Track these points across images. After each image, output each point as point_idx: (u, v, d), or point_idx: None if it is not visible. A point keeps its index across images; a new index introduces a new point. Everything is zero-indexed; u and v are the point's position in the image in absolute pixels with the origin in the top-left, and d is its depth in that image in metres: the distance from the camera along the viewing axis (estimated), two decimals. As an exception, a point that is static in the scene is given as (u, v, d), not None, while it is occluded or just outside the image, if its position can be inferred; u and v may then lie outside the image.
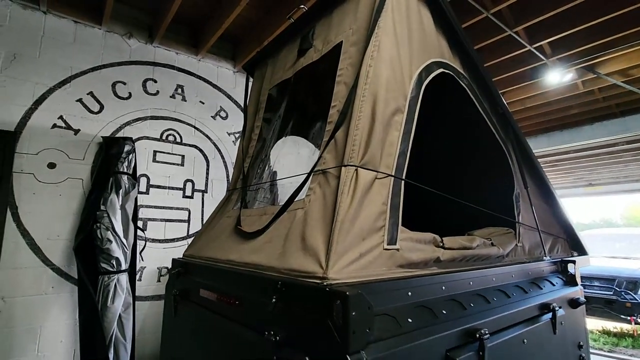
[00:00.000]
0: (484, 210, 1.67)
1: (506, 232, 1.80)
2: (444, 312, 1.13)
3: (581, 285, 2.00)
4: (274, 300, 1.05)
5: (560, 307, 1.67)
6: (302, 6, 1.78)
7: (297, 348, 0.94)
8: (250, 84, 2.32)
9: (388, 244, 1.14)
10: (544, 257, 1.94)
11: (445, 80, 1.65)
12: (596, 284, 5.61)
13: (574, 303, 1.83)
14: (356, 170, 1.18)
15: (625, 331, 5.37)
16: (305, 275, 1.02)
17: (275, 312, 1.05)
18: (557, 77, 3.48)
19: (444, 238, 1.39)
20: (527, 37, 3.18)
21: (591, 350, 5.21)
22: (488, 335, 1.12)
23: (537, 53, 3.27)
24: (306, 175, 1.38)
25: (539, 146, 5.71)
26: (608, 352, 4.97)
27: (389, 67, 1.33)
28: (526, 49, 3.22)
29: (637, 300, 5.28)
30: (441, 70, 1.54)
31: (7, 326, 2.35)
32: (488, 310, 1.28)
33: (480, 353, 1.11)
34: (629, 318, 5.24)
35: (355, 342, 0.82)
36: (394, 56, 1.35)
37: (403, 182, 1.28)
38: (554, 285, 1.82)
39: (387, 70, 1.32)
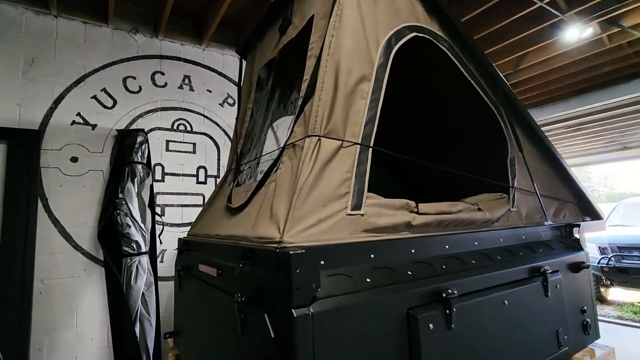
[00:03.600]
0: (473, 177, 1.64)
1: (499, 198, 1.75)
2: (409, 272, 1.15)
3: (616, 254, 1.89)
4: (240, 265, 1.12)
5: (556, 271, 1.63)
6: (279, -17, 1.79)
7: (257, 307, 1.01)
8: (244, 68, 2.38)
9: (352, 210, 1.17)
10: (545, 222, 1.88)
11: (425, 45, 1.61)
12: (636, 253, 5.26)
13: (575, 267, 1.77)
14: (319, 140, 1.21)
15: (669, 302, 5.05)
16: (267, 241, 1.08)
17: (242, 277, 1.13)
18: (575, 33, 3.23)
19: (420, 204, 1.39)
20: (539, -8, 2.97)
21: (631, 323, 4.95)
22: (456, 295, 1.13)
23: (551, 9, 3.05)
24: (280, 150, 1.42)
25: (569, 108, 5.35)
26: (649, 324, 4.72)
27: (351, 36, 1.32)
28: (537, 5, 3.02)
29: (682, 269, 4.92)
30: (414, 34, 1.51)
31: (49, 304, 2.63)
32: (463, 271, 1.28)
33: (447, 311, 1.12)
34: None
35: (299, 297, 0.88)
36: (357, 25, 1.34)
37: (370, 150, 1.29)
38: (553, 249, 1.76)
39: (350, 40, 1.32)
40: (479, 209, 1.60)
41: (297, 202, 1.08)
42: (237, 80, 3.67)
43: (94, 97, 2.97)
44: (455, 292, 1.14)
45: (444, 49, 1.62)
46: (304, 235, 1.04)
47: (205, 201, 3.32)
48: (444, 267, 1.25)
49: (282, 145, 1.41)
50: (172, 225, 3.18)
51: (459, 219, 1.47)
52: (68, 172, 2.80)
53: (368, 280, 1.04)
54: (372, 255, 1.12)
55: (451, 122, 2.25)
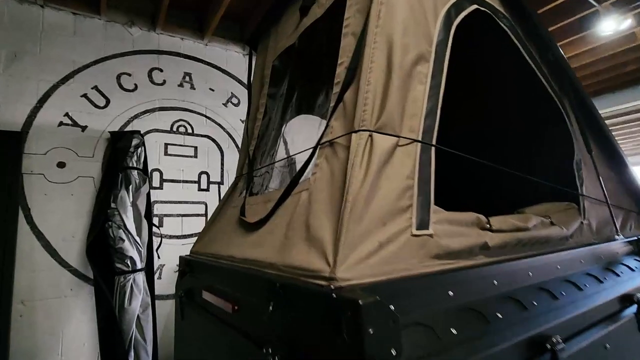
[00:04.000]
0: (540, 182, 1.35)
1: (567, 208, 1.46)
2: (499, 315, 0.85)
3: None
4: (271, 307, 0.82)
5: (644, 298, 1.33)
6: (300, -47, 1.51)
7: (300, 373, 0.71)
8: (254, 60, 2.09)
9: (417, 229, 0.87)
10: (616, 236, 1.58)
11: (480, 22, 1.33)
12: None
13: (660, 291, 1.47)
14: (370, 136, 0.92)
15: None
16: (308, 274, 0.78)
17: (273, 322, 0.82)
18: (612, 25, 2.98)
19: (490, 218, 1.09)
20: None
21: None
22: (562, 345, 0.83)
23: (587, -1, 2.79)
24: (312, 150, 1.12)
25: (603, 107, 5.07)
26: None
27: (405, 4, 1.03)
28: (573, -6, 2.76)
29: None
30: (475, 7, 1.22)
31: (30, 329, 2.30)
32: (556, 309, 0.98)
33: (554, 369, 0.82)
34: None
35: (374, 373, 0.57)
36: (412, -11, 1.05)
37: (433, 148, 1.00)
38: (633, 270, 1.46)
39: (404, 8, 1.03)
40: (552, 223, 1.30)
41: (351, 220, 0.78)
42: (241, 79, 3.39)
43: (84, 95, 2.67)
44: (560, 340, 0.84)
45: (504, 27, 1.34)
46: (362, 268, 0.74)
47: (208, 210, 3.02)
48: (534, 303, 0.95)
49: (314, 144, 1.11)
50: (171, 237, 2.86)
51: (535, 236, 1.17)
52: (54, 179, 2.49)
53: (453, 331, 0.74)
54: (450, 293, 0.81)
55: (498, 114, 1.94)
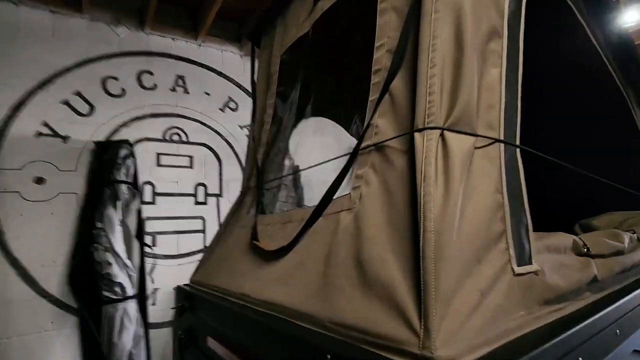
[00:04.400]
0: (615, 185, 1.11)
1: (643, 218, 1.22)
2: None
3: None
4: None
5: None
6: None
7: None
8: (257, 56, 1.84)
9: (519, 264, 0.62)
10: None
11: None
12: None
13: None
14: (442, 135, 0.67)
15: None
16: (378, 342, 0.52)
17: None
18: (635, 15, 2.79)
19: (582, 238, 0.84)
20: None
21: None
22: None
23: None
24: (349, 156, 0.87)
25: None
26: None
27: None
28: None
29: None
30: (544, -27, 0.99)
31: (5, 372, 1.99)
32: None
33: None
34: None
35: None
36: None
37: (519, 151, 0.75)
38: None
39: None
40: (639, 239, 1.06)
41: (439, 259, 0.53)
42: (239, 82, 3.13)
43: (65, 102, 2.39)
44: None
45: (570, 4, 1.10)
46: (469, 336, 0.49)
47: (206, 226, 2.74)
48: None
49: (351, 150, 0.86)
50: (166, 257, 2.57)
51: (636, 260, 0.93)
52: (31, 197, 2.19)
53: None
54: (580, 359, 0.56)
55: (556, 106, 1.67)
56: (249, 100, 3.12)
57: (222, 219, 2.81)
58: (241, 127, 3.07)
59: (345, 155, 0.87)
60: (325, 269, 0.73)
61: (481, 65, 0.76)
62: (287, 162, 1.52)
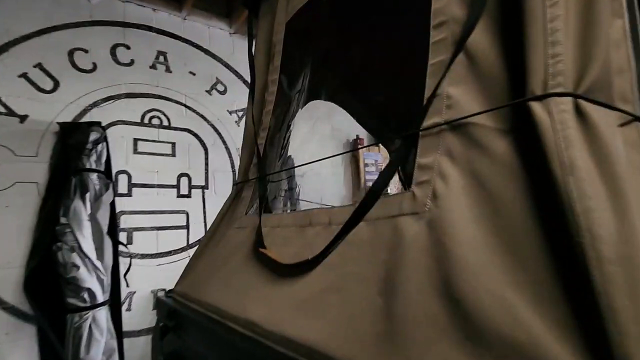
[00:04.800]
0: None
1: None
2: None
3: None
4: None
5: None
6: None
7: None
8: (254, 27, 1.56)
9: None
10: None
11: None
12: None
13: None
14: (576, 103, 0.44)
15: None
16: None
17: None
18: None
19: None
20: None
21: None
22: None
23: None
24: (402, 139, 0.63)
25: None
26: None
27: None
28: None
29: None
30: None
31: (-53, 393, 1.68)
32: None
33: None
34: None
35: None
36: None
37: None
38: None
39: None
40: None
41: (624, 297, 0.29)
42: (228, 62, 2.83)
43: (24, 75, 2.04)
44: None
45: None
46: None
47: (190, 221, 2.46)
48: None
49: (411, 131, 0.62)
50: (143, 256, 2.28)
51: None
52: (-19, 186, 1.86)
53: None
54: None
55: None
56: (239, 84, 2.85)
57: (209, 213, 2.54)
58: (230, 113, 2.78)
59: (403, 136, 0.63)
60: (386, 302, 0.50)
61: (606, 14, 0.53)
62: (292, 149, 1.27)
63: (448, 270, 0.45)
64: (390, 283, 0.51)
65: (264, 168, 1.14)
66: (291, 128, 1.26)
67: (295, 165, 1.13)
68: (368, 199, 0.64)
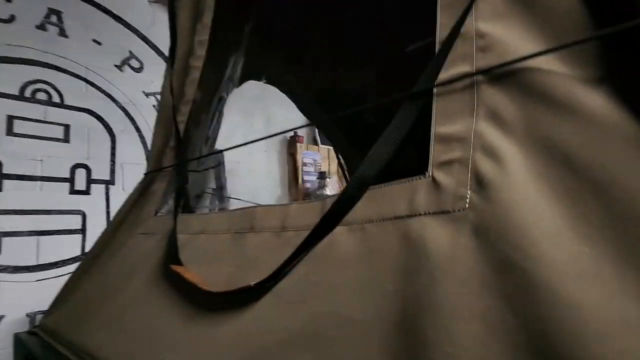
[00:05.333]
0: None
1: None
2: None
3: None
4: None
5: None
6: None
7: None
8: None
9: None
10: None
11: None
12: None
13: None
14: None
15: None
16: None
17: None
18: None
19: None
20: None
21: None
22: None
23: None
24: (408, 100, 0.42)
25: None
26: None
27: None
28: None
29: None
30: None
31: None
32: None
33: None
34: None
35: None
36: None
37: None
38: None
39: None
40: None
41: None
42: (146, 34, 2.39)
43: None
44: None
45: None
46: None
47: (87, 225, 1.99)
48: None
49: (419, 87, 0.41)
50: (16, 269, 1.75)
51: None
52: None
53: None
54: None
55: None
56: (160, 62, 2.42)
57: (113, 214, 2.09)
58: (147, 95, 2.34)
59: (410, 95, 0.41)
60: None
61: None
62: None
63: (533, 311, 0.24)
64: (412, 332, 0.28)
65: (184, 153, 0.84)
66: (224, 101, 0.98)
67: (226, 147, 0.86)
68: (351, 188, 0.41)
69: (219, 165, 1.81)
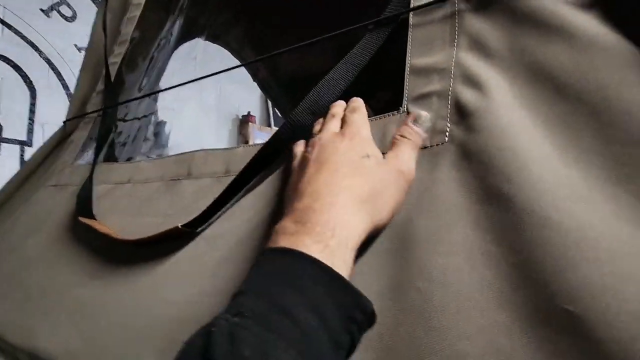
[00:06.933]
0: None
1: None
2: None
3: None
4: None
5: None
6: None
7: None
8: None
9: None
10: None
11: None
12: None
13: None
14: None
15: None
16: None
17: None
18: None
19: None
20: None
21: None
22: None
23: None
24: (374, 27, 0.37)
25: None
26: None
27: None
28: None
29: None
30: None
31: None
32: None
33: None
34: None
35: None
36: None
37: None
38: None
39: None
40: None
41: None
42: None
43: None
44: None
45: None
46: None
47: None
48: None
49: (389, 12, 0.36)
50: None
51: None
52: None
53: None
54: None
55: None
56: (95, 11, 2.16)
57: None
58: (79, 49, 2.06)
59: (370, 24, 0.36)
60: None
61: None
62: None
63: (519, 237, 0.20)
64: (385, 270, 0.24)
65: (113, 96, 0.72)
66: (165, 45, 0.86)
67: (163, 88, 0.76)
68: (301, 113, 0.35)
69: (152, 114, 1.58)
